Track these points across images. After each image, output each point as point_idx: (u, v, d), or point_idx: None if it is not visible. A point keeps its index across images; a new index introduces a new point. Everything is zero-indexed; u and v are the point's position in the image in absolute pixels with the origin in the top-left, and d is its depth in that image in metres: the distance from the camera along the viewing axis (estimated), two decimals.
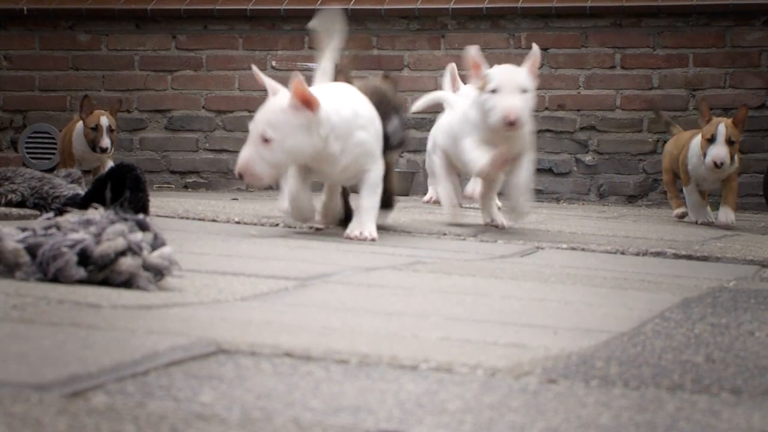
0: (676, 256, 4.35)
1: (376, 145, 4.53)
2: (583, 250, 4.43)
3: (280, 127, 4.25)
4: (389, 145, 4.58)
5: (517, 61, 7.43)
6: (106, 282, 2.70)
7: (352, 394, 1.77)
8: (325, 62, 4.85)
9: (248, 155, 4.26)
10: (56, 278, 2.68)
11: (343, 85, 4.70)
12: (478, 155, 4.86)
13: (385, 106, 4.55)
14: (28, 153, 7.91)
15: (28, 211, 4.44)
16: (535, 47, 5.06)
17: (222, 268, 3.24)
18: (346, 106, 4.42)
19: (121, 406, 1.59)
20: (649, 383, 1.99)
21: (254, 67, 4.53)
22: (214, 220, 4.98)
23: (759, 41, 7.20)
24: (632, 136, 7.43)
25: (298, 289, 2.97)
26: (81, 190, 4.66)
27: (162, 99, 8.12)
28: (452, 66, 6.09)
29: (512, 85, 4.88)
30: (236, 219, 5.03)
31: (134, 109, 8.11)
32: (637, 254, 4.36)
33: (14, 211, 4.50)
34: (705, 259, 4.32)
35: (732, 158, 5.62)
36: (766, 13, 7.14)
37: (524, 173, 5.00)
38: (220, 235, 4.26)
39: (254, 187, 4.93)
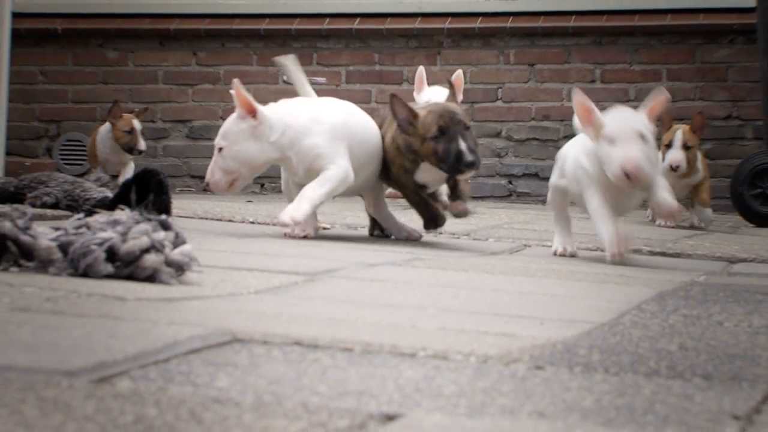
0: (651, 253, 4.35)
1: (334, 150, 4.27)
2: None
3: (229, 135, 4.26)
4: (460, 166, 4.10)
5: (507, 75, 7.49)
6: (131, 277, 2.70)
7: (356, 380, 1.77)
8: (305, 87, 4.75)
9: (210, 166, 4.28)
10: (86, 273, 2.68)
11: (329, 100, 4.60)
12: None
13: (455, 126, 4.12)
14: (61, 159, 7.90)
15: (61, 212, 4.43)
16: (660, 92, 4.17)
17: (237, 264, 3.24)
18: (303, 114, 4.33)
19: (144, 390, 1.59)
20: (628, 369, 2.00)
21: (236, 81, 4.39)
22: (230, 221, 4.97)
23: (726, 58, 7.19)
24: None
25: (307, 284, 2.97)
26: (109, 193, 4.65)
27: (183, 110, 8.11)
28: (421, 69, 5.77)
29: (629, 132, 3.96)
30: (250, 219, 5.03)
31: (158, 120, 8.10)
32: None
33: (48, 212, 4.49)
34: (677, 255, 4.32)
35: (689, 162, 5.63)
36: (732, 33, 7.12)
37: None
38: (236, 234, 4.26)
39: (218, 193, 4.55)
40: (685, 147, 5.61)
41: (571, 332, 2.36)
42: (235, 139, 4.26)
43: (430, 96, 4.99)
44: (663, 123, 5.61)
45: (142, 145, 6.90)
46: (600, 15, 7.28)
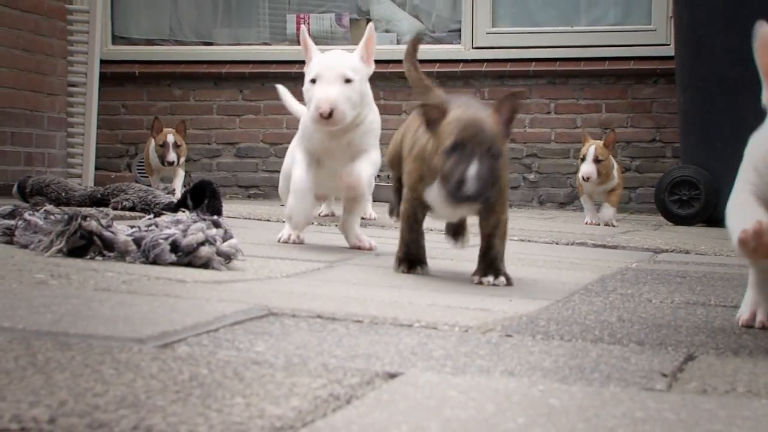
0: (595, 245, 4.34)
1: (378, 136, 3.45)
2: (528, 241, 4.41)
3: (359, 71, 3.35)
4: (458, 194, 2.57)
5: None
6: (189, 264, 2.70)
7: (365, 345, 1.76)
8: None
9: (330, 95, 3.23)
10: (154, 261, 2.68)
11: None
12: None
13: (475, 145, 2.57)
14: (138, 173, 7.88)
15: (136, 214, 4.43)
16: (370, 26, 3.45)
17: (273, 254, 3.23)
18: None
19: (198, 354, 1.59)
20: (578, 337, 1.98)
21: (370, 26, 3.45)
22: (268, 220, 4.96)
23: (651, 95, 7.19)
24: (563, 161, 7.39)
25: (327, 269, 2.96)
26: (174, 199, 4.67)
27: (232, 135, 8.09)
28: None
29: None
30: (284, 219, 5.01)
31: (213, 142, 8.09)
32: (567, 244, 4.36)
33: (127, 214, 4.49)
34: (615, 247, 4.30)
35: (600, 172, 5.45)
36: (655, 75, 7.12)
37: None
38: (272, 230, 4.24)
39: (338, 124, 3.22)
40: (597, 160, 5.43)
41: (533, 307, 2.36)
42: (361, 78, 3.36)
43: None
44: (583, 141, 5.57)
45: (170, 157, 6.35)
46: (554, 62, 7.26)
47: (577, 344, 1.90)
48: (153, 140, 6.50)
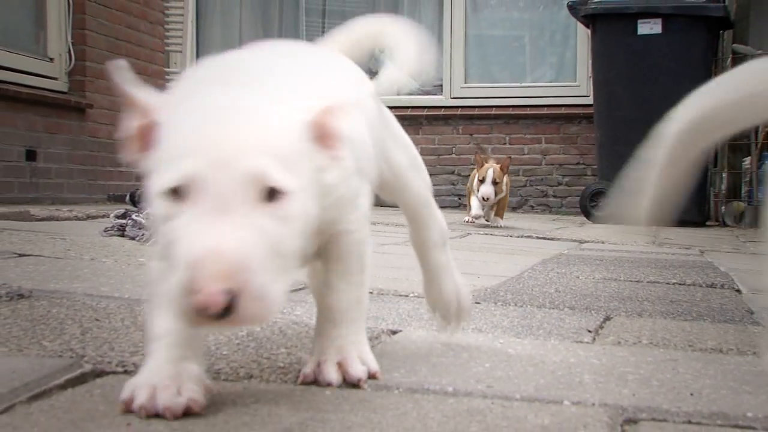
0: (538, 237, 4.29)
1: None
2: (491, 235, 4.37)
3: None
4: None
5: (457, 140, 7.45)
6: None
7: (374, 310, 1.71)
8: None
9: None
10: None
11: None
12: None
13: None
14: None
15: None
16: None
17: None
18: None
19: None
20: (527, 303, 1.94)
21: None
22: None
23: (576, 131, 7.15)
24: (513, 177, 7.35)
25: None
26: None
27: None
28: None
29: None
30: None
31: None
32: (518, 237, 4.32)
33: None
34: (552, 239, 4.26)
35: (497, 193, 4.59)
36: (579, 117, 7.08)
37: None
38: None
39: None
40: (494, 182, 4.56)
41: (495, 282, 2.32)
42: None
43: None
44: (477, 163, 4.67)
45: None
46: (508, 107, 7.22)
47: (526, 309, 1.87)
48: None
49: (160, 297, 0.94)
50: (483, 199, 4.57)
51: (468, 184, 4.94)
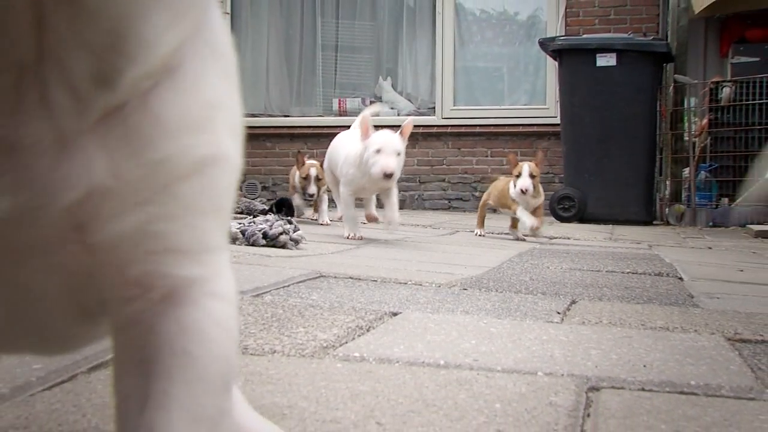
0: (517, 239, 4.28)
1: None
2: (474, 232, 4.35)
3: (402, 148, 3.01)
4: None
5: (447, 153, 7.43)
6: (273, 246, 2.65)
7: (378, 296, 1.70)
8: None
9: (391, 164, 2.96)
10: (253, 244, 2.64)
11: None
12: None
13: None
14: (247, 192, 7.85)
15: (244, 216, 4.39)
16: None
17: (323, 240, 3.16)
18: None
19: (276, 301, 1.54)
20: (507, 290, 1.93)
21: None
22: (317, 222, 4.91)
23: (547, 146, 7.12)
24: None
25: (357, 249, 2.89)
26: (266, 207, 4.63)
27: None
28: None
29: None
30: (329, 221, 4.97)
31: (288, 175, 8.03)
32: (499, 234, 4.29)
33: (238, 216, 4.46)
34: (526, 236, 4.24)
35: (535, 187, 3.95)
36: (549, 135, 7.05)
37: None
38: (323, 226, 4.20)
39: (392, 182, 3.00)
40: (531, 176, 3.92)
41: (479, 272, 2.31)
42: (403, 151, 3.03)
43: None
44: (511, 163, 4.04)
45: (311, 189, 4.22)
46: (489, 126, 7.20)
47: (506, 294, 1.85)
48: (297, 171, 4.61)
49: None
50: (522, 191, 3.86)
51: (485, 197, 4.20)
